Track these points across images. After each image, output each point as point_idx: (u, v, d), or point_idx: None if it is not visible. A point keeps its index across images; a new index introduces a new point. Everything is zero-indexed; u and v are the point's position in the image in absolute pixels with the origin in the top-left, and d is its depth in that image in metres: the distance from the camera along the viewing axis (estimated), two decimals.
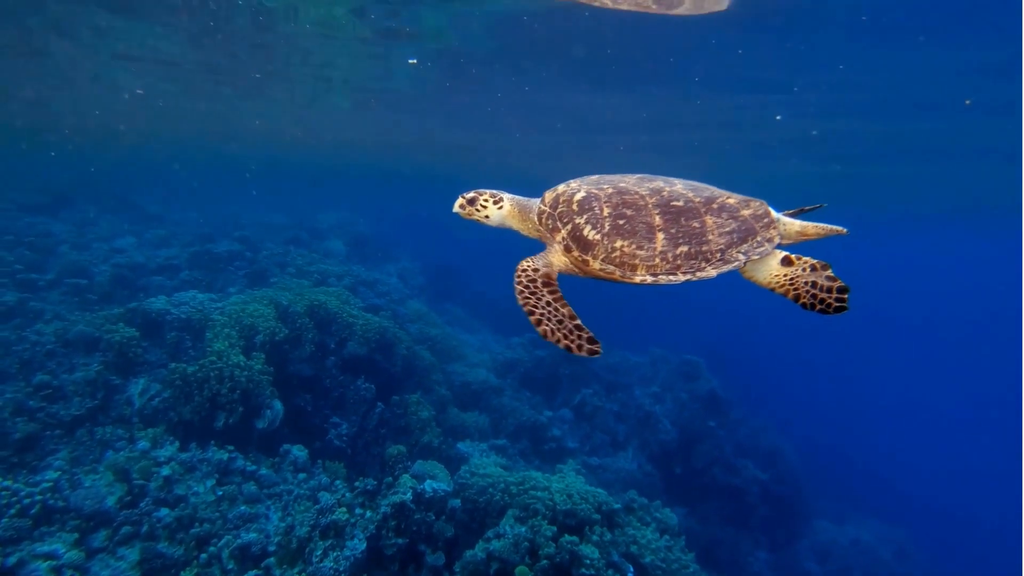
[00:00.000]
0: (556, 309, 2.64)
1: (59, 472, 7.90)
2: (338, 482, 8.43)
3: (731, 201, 2.75)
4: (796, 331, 38.18)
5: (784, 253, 2.76)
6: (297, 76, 16.64)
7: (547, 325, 2.59)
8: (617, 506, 8.35)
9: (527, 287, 2.72)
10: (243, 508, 7.75)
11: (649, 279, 2.62)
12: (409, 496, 7.45)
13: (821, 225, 2.83)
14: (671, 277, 2.62)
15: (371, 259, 18.13)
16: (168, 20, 13.56)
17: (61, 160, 45.61)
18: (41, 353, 10.56)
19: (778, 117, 16.32)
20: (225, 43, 14.53)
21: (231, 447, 8.56)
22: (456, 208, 2.97)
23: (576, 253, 2.69)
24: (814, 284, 2.65)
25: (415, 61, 12.57)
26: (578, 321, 2.59)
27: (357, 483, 8.10)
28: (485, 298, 22.81)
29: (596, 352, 2.54)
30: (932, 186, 24.32)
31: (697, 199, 2.72)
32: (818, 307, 2.62)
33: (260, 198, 34.65)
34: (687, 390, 16.63)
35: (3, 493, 7.09)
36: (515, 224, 3.02)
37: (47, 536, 6.98)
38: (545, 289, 2.71)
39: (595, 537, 7.50)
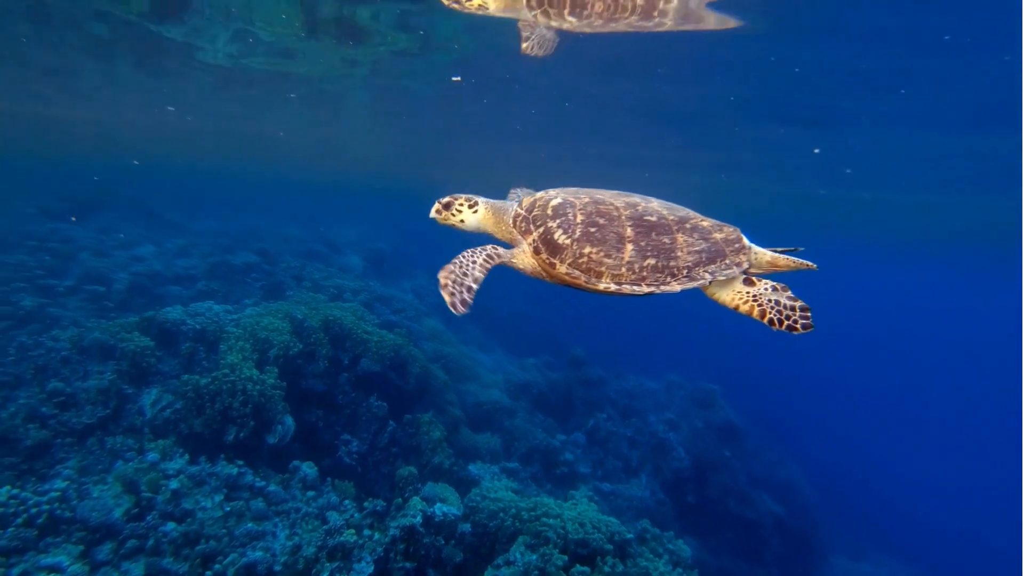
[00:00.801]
0: (470, 271, 2.75)
1: (67, 481, 7.84)
2: (347, 502, 8.30)
3: (704, 223, 2.83)
4: (813, 360, 37.63)
5: (746, 276, 2.84)
6: (316, 94, 16.83)
7: (453, 272, 2.74)
8: (630, 536, 8.14)
9: (474, 251, 2.85)
10: (250, 525, 7.63)
11: (613, 287, 2.66)
12: (419, 519, 7.30)
13: (792, 259, 2.90)
14: (635, 288, 2.67)
15: (388, 275, 18.12)
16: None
17: (87, 168, 46.40)
18: (56, 359, 10.58)
19: (816, 150, 16.18)
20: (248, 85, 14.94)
21: (241, 462, 8.46)
22: (432, 213, 3.01)
23: (544, 256, 2.75)
24: (777, 303, 2.71)
25: (459, 79, 12.44)
26: (474, 288, 2.70)
27: (366, 503, 7.96)
28: (499, 317, 22.68)
29: (459, 311, 2.64)
30: (958, 212, 24.03)
31: (671, 217, 2.80)
32: (786, 324, 2.67)
33: (280, 211, 34.97)
34: (702, 418, 16.34)
35: (11, 502, 7.02)
36: (490, 228, 3.06)
37: (52, 547, 6.89)
38: (482, 256, 2.82)
39: (607, 568, 7.29)
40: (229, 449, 8.63)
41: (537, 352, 18.15)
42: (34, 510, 7.03)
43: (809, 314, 2.66)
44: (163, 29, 11.92)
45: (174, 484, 7.86)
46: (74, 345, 10.81)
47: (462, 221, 3.04)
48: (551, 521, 7.76)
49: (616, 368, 18.07)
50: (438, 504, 7.82)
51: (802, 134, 14.93)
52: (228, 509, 7.79)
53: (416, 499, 7.74)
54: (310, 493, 8.56)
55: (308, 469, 8.75)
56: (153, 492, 7.78)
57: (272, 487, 8.39)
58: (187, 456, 8.41)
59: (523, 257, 2.87)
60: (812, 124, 13.85)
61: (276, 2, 9.78)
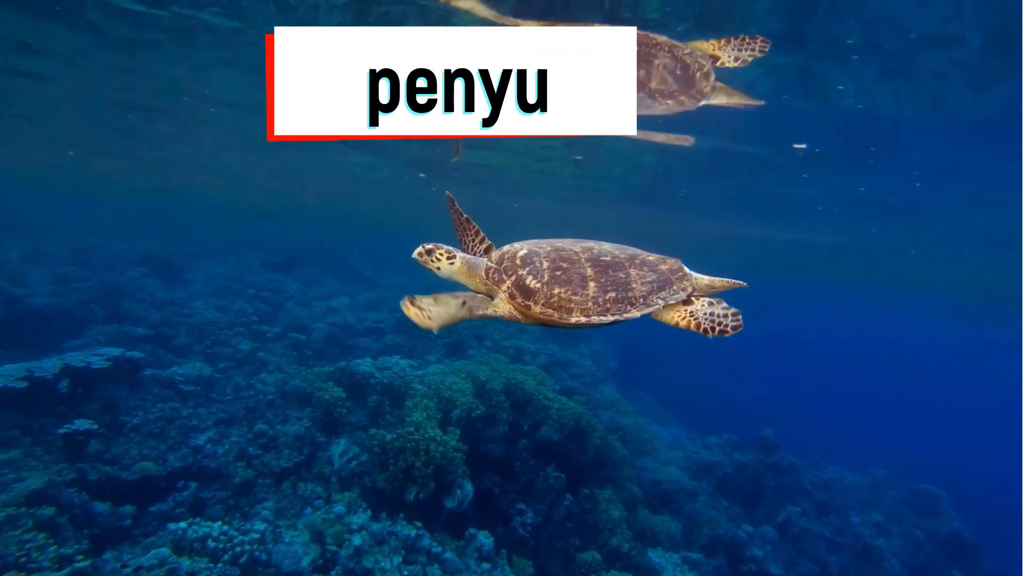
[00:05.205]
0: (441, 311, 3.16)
1: (265, 523, 8.20)
2: None
3: (650, 258, 3.23)
4: None
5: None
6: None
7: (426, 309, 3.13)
8: None
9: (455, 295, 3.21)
10: None
11: (583, 320, 3.01)
12: None
13: (726, 280, 3.29)
14: (602, 318, 3.01)
15: (566, 338, 17.87)
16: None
17: (294, 225, 52.48)
18: (263, 402, 11.47)
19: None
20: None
21: (419, 523, 8.35)
22: (415, 254, 3.22)
23: (519, 300, 3.06)
24: (712, 314, 3.08)
25: (803, 146, 12.14)
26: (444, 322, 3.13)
27: None
28: (678, 387, 21.35)
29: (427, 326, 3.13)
30: None
31: (622, 255, 3.18)
32: (717, 329, 3.02)
33: None
34: (923, 527, 13.76)
35: (221, 537, 7.45)
36: (462, 279, 3.31)
37: None
38: (455, 302, 3.18)
39: None
40: (408, 508, 8.57)
41: (718, 429, 16.64)
42: (238, 549, 7.38)
43: (740, 317, 3.01)
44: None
45: (357, 540, 7.90)
46: (278, 390, 11.68)
47: (438, 268, 3.26)
48: None
49: (809, 455, 16.03)
50: None
51: None
52: (406, 573, 7.65)
53: None
54: (485, 565, 8.21)
55: (484, 539, 8.42)
56: (338, 545, 7.87)
57: (448, 554, 8.15)
58: (369, 512, 8.48)
59: (501, 304, 3.15)
60: None
61: None
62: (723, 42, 5.61)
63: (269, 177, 25.84)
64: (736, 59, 5.70)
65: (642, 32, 5.81)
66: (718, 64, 5.92)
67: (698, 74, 6.13)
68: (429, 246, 3.25)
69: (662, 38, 5.88)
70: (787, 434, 15.55)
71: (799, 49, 7.07)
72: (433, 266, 3.26)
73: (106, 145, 21.13)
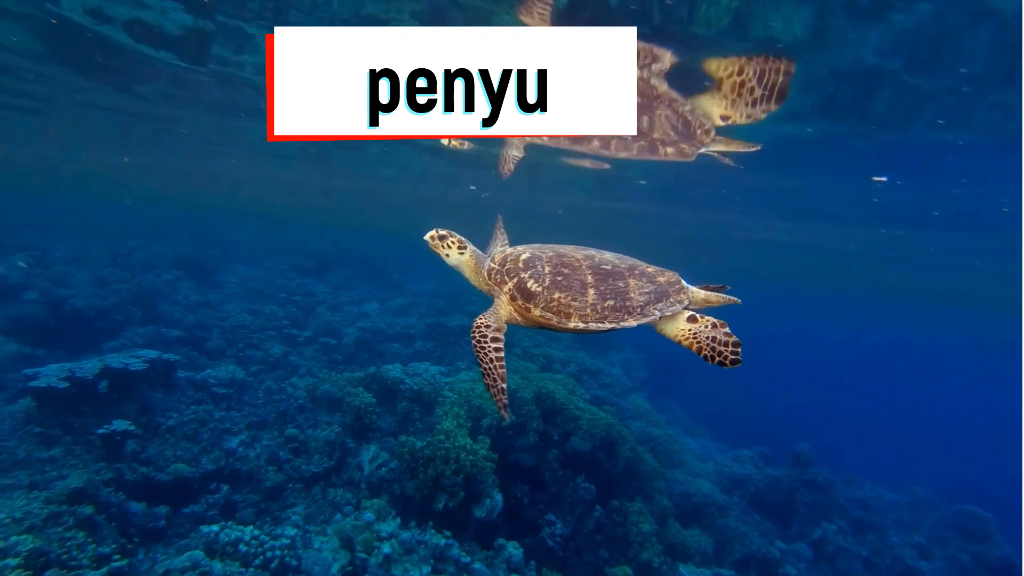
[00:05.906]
0: (495, 367, 3.01)
1: (296, 528, 8.22)
2: None
3: (649, 270, 3.26)
4: None
5: (690, 313, 3.17)
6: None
7: (488, 380, 3.01)
8: None
9: (479, 341, 3.09)
10: None
11: (580, 326, 3.04)
12: None
13: (722, 296, 3.29)
14: (599, 325, 3.04)
15: (596, 346, 17.73)
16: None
17: (324, 229, 53.22)
18: (294, 406, 11.58)
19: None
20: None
21: (448, 532, 8.30)
22: (426, 236, 3.29)
23: (520, 302, 3.11)
24: (714, 339, 3.03)
25: (884, 179, 11.75)
26: (504, 385, 2.98)
27: None
28: (707, 398, 21.02)
29: (507, 418, 3.19)
30: None
31: (622, 265, 3.22)
32: (716, 359, 2.99)
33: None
34: (969, 551, 13.23)
35: (252, 542, 7.49)
36: (468, 273, 3.37)
37: None
38: (492, 345, 3.07)
39: None
40: (437, 517, 8.52)
41: (750, 442, 16.30)
42: (269, 554, 7.40)
43: (739, 350, 2.95)
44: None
45: (386, 548, 7.87)
46: (309, 394, 11.76)
47: (447, 256, 3.32)
48: None
49: (845, 471, 15.60)
50: None
51: None
52: None
53: None
54: None
55: (514, 550, 8.34)
56: (367, 553, 7.85)
57: (477, 564, 8.08)
58: (399, 519, 8.45)
59: (503, 307, 3.19)
60: None
61: None
62: (733, 97, 5.38)
63: (311, 185, 26.31)
64: (748, 116, 5.63)
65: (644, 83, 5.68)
66: (728, 122, 5.84)
67: (699, 130, 6.25)
68: (443, 231, 3.32)
69: (663, 88, 5.71)
70: (820, 446, 15.20)
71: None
72: (443, 252, 3.33)
73: (156, 157, 21.89)
